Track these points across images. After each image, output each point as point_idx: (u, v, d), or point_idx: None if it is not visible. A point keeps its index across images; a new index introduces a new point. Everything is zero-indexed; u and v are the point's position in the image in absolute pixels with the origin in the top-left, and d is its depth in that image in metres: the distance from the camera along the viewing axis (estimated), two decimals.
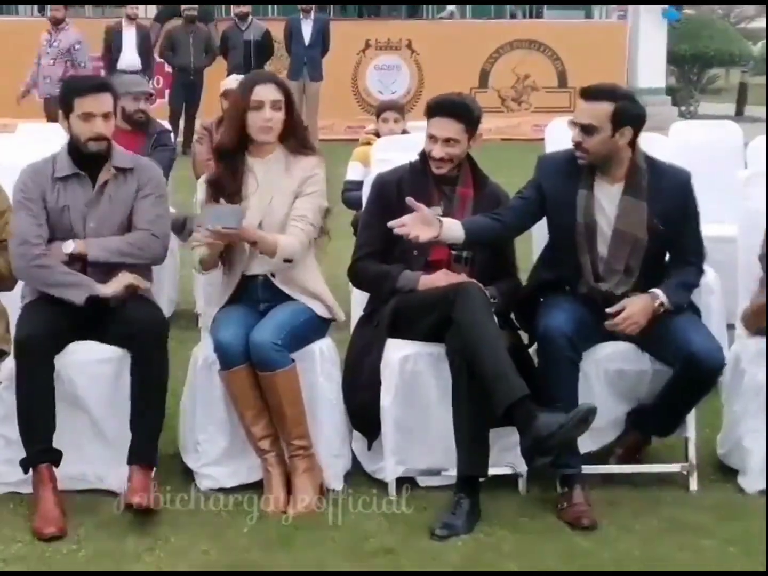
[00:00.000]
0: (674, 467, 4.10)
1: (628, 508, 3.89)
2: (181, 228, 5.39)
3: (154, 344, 3.82)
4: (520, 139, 14.86)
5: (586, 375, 3.95)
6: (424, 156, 4.17)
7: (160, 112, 9.24)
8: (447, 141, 4.06)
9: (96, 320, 3.89)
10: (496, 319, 3.83)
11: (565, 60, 15.80)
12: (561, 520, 3.78)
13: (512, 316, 4.20)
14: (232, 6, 14.46)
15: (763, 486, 3.98)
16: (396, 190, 4.04)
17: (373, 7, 16.54)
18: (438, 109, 4.10)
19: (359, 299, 4.39)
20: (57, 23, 11.18)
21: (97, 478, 3.94)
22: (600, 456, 4.09)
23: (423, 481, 4.04)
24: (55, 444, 3.78)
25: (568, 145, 4.04)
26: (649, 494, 4.00)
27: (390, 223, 3.81)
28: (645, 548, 3.60)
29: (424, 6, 16.64)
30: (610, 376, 4.03)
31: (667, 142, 5.26)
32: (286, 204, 4.00)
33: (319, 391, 4.00)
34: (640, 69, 16.25)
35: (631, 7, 16.39)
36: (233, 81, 6.70)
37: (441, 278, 3.99)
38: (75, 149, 3.98)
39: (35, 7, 16.41)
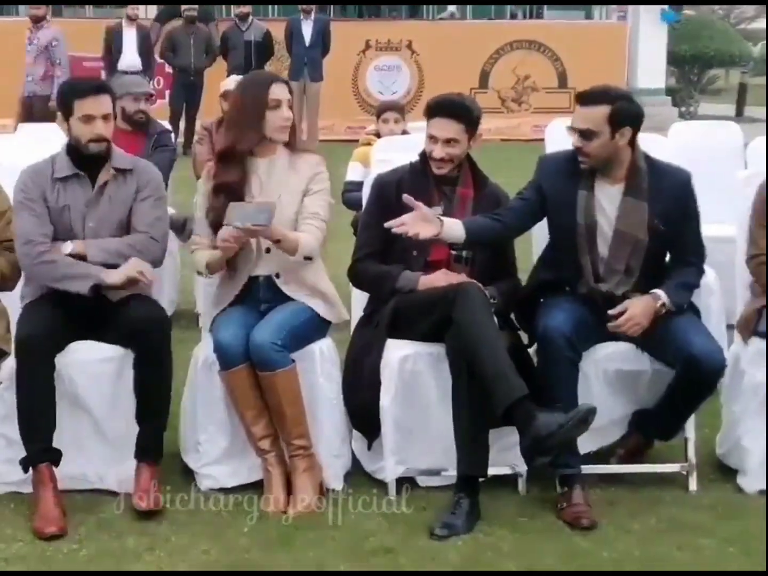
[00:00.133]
0: (674, 467, 4.10)
1: (628, 508, 3.89)
2: (182, 228, 5.41)
3: (157, 341, 3.83)
4: (520, 139, 14.86)
5: (585, 375, 3.96)
6: (424, 156, 4.17)
7: (160, 112, 9.25)
8: (447, 141, 4.07)
9: (97, 320, 3.90)
10: (495, 319, 3.83)
11: (565, 60, 15.80)
12: (560, 520, 3.78)
13: (512, 316, 4.20)
14: (232, 6, 14.47)
15: (762, 486, 3.99)
16: (396, 191, 4.04)
17: (374, 8, 16.55)
18: (438, 109, 4.11)
19: (359, 299, 4.39)
20: (37, 21, 11.11)
21: (98, 477, 3.95)
22: (599, 456, 4.10)
23: (423, 481, 4.04)
24: (56, 443, 3.78)
25: (568, 145, 4.04)
26: (648, 494, 4.01)
27: (388, 223, 3.82)
28: (644, 548, 3.60)
29: (424, 6, 16.64)
30: (610, 376, 4.03)
31: (667, 143, 5.26)
32: (295, 202, 4.00)
33: (319, 391, 4.01)
34: (640, 69, 16.24)
35: (631, 8, 16.39)
36: (233, 82, 6.73)
37: (441, 278, 3.99)
38: (74, 150, 3.99)
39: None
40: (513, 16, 17.15)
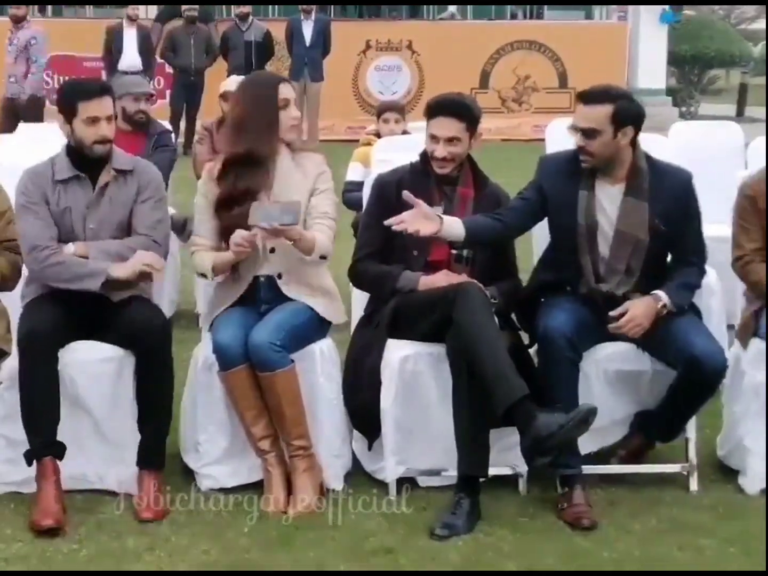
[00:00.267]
0: (674, 467, 4.10)
1: (628, 509, 3.89)
2: (182, 229, 5.40)
3: (157, 346, 3.83)
4: (521, 139, 14.87)
5: (586, 375, 3.95)
6: (425, 156, 4.17)
7: (161, 112, 9.25)
8: (450, 140, 4.06)
9: (97, 320, 3.90)
10: (496, 319, 3.83)
11: (566, 61, 15.80)
12: (561, 520, 3.78)
13: (513, 316, 4.20)
14: (232, 6, 14.47)
15: (763, 486, 3.99)
16: (396, 191, 4.03)
17: (374, 8, 16.55)
18: (439, 109, 4.10)
19: (359, 300, 4.39)
20: (17, 21, 11.05)
21: (98, 477, 3.94)
22: (600, 456, 4.10)
23: (423, 481, 4.04)
24: None
25: (569, 145, 4.04)
26: (649, 494, 4.00)
27: (388, 221, 3.81)
28: (645, 548, 3.60)
29: (425, 6, 16.64)
30: (611, 376, 4.03)
31: (668, 143, 5.26)
32: (303, 202, 3.99)
33: (319, 391, 4.01)
34: (640, 70, 16.24)
35: (631, 8, 16.40)
36: (233, 82, 6.71)
37: (441, 278, 3.99)
38: (74, 152, 3.98)
39: (35, 7, 16.42)
40: (513, 17, 17.15)
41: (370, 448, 4.09)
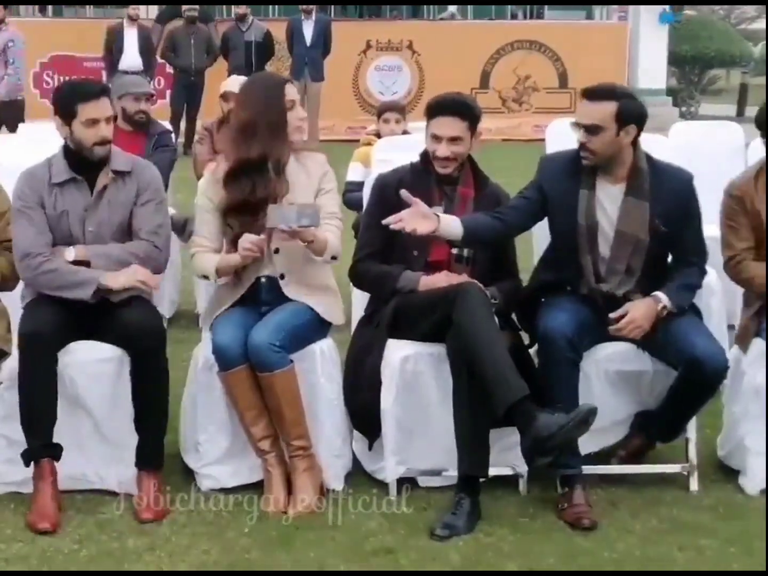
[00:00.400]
0: (675, 468, 4.10)
1: (629, 509, 3.89)
2: (182, 229, 5.40)
3: (152, 348, 3.82)
4: (521, 139, 14.88)
5: (586, 375, 3.95)
6: (425, 156, 4.17)
7: (161, 112, 9.25)
8: (452, 140, 4.06)
9: (97, 320, 3.89)
10: (496, 319, 3.83)
11: (566, 61, 15.81)
12: (561, 520, 3.78)
13: (513, 316, 4.20)
14: (233, 6, 14.48)
15: (763, 486, 3.99)
16: (397, 191, 4.02)
17: (374, 8, 16.56)
18: (440, 108, 4.10)
19: (360, 300, 4.39)
20: None
21: (98, 477, 3.94)
22: (600, 456, 4.10)
23: (423, 482, 4.04)
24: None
25: (569, 145, 4.04)
26: (649, 494, 4.00)
27: (386, 220, 3.81)
28: (645, 548, 3.60)
29: (425, 6, 16.64)
30: (611, 376, 4.03)
31: (668, 143, 5.25)
32: (309, 202, 3.98)
33: (319, 391, 4.00)
34: (640, 70, 16.24)
35: (631, 8, 16.40)
36: (234, 82, 6.71)
37: (442, 279, 3.99)
38: (71, 153, 3.96)
39: (36, 7, 16.45)
40: (514, 17, 17.15)
41: (370, 448, 4.09)
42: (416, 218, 3.79)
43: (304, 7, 13.58)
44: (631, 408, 4.11)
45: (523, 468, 3.93)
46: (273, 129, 3.95)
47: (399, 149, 4.91)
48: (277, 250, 3.98)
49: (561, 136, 4.39)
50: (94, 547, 3.58)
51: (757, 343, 4.03)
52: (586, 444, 3.92)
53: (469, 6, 16.90)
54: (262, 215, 3.88)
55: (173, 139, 6.31)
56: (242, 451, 4.01)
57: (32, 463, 3.78)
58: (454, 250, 4.07)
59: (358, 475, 4.12)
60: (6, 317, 4.01)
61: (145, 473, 3.86)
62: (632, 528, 3.75)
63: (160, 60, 13.58)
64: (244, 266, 3.99)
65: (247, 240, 3.84)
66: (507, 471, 3.99)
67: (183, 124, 13.15)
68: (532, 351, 4.05)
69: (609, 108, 3.89)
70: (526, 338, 4.15)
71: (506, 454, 3.94)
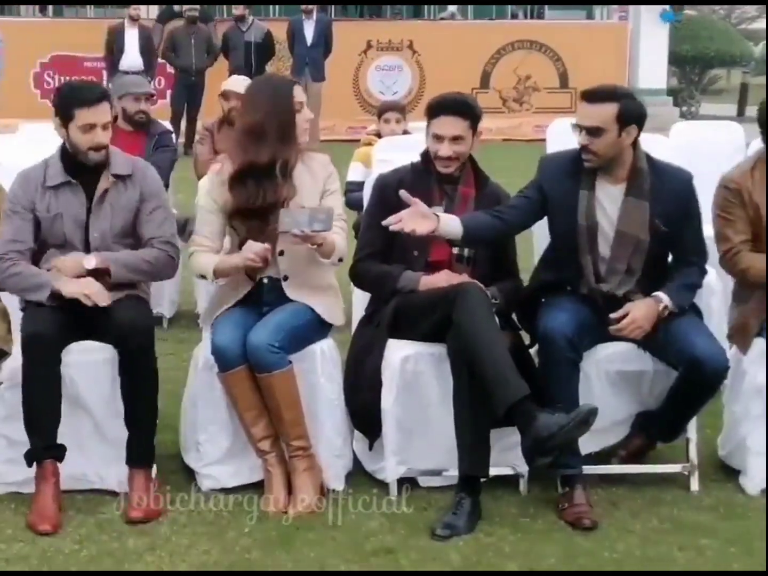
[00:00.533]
0: (675, 467, 4.10)
1: (629, 509, 3.89)
2: (182, 229, 5.39)
3: (139, 347, 3.80)
4: (522, 139, 14.89)
5: (586, 375, 3.95)
6: (426, 156, 4.17)
7: (161, 112, 9.25)
8: (454, 139, 4.06)
9: (92, 320, 3.87)
10: (497, 319, 3.83)
11: (567, 61, 15.81)
12: (562, 520, 3.78)
13: (513, 316, 4.20)
14: (233, 7, 14.49)
15: (764, 486, 3.99)
16: (397, 191, 4.01)
17: (375, 8, 16.56)
18: (441, 108, 4.10)
19: (360, 300, 4.39)
20: None
21: (98, 477, 3.94)
22: (601, 456, 4.09)
23: (424, 481, 4.04)
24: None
25: (570, 145, 4.04)
26: (649, 494, 4.00)
27: (385, 222, 3.81)
28: (646, 548, 3.60)
29: (426, 6, 16.64)
30: (611, 376, 4.03)
31: (669, 143, 5.25)
32: (315, 204, 3.97)
33: (320, 391, 4.00)
34: (641, 70, 16.25)
35: (632, 8, 16.40)
36: (234, 81, 6.71)
37: (442, 278, 3.99)
38: (68, 156, 3.96)
39: (36, 7, 16.45)
40: (514, 16, 17.16)
41: (370, 448, 4.09)
42: (415, 218, 3.79)
43: (305, 7, 13.59)
44: (631, 408, 4.10)
45: (523, 468, 3.93)
46: (282, 132, 3.94)
47: (399, 149, 4.91)
48: (282, 253, 3.97)
49: (562, 136, 4.39)
50: (94, 547, 3.58)
51: (758, 343, 4.02)
52: (587, 444, 3.92)
53: (469, 6, 16.90)
54: (268, 219, 3.88)
55: (174, 140, 6.31)
56: (243, 451, 4.01)
57: (34, 463, 3.77)
58: (455, 250, 4.07)
59: (358, 475, 4.12)
60: (7, 318, 4.00)
61: (136, 471, 3.84)
62: (633, 528, 3.75)
63: (160, 60, 13.58)
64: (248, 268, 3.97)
65: (251, 250, 3.82)
66: (507, 471, 3.99)
67: (183, 124, 13.15)
68: (532, 351, 4.05)
69: (610, 109, 3.89)
70: (526, 338, 4.15)
71: (507, 454, 3.94)
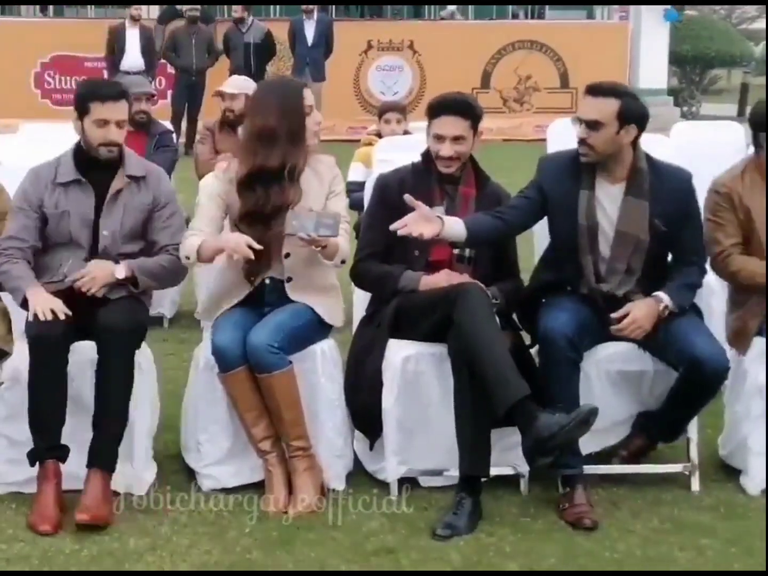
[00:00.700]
0: (676, 467, 4.10)
1: (630, 509, 3.89)
2: None
3: (117, 348, 3.77)
4: (522, 139, 14.89)
5: (587, 375, 3.95)
6: (427, 156, 4.17)
7: (162, 112, 9.26)
8: (455, 139, 4.06)
9: (89, 320, 3.85)
10: (497, 319, 3.83)
11: (567, 61, 15.81)
12: (562, 520, 3.78)
13: (514, 316, 4.20)
14: (233, 7, 14.50)
15: (764, 486, 3.99)
16: (398, 191, 4.03)
17: (376, 8, 16.56)
18: (442, 108, 4.10)
19: (361, 300, 4.39)
20: None
21: None
22: (601, 456, 4.09)
23: (424, 481, 4.04)
24: None
25: (570, 145, 4.04)
26: (650, 494, 4.00)
27: (392, 227, 3.80)
28: (646, 548, 3.60)
29: (426, 6, 16.64)
30: (612, 376, 4.03)
31: (669, 143, 5.25)
32: (320, 206, 3.98)
33: (320, 391, 4.00)
34: (641, 70, 16.25)
35: (633, 8, 16.40)
36: (228, 82, 6.69)
37: (442, 278, 3.99)
38: (81, 154, 3.97)
39: (37, 7, 16.46)
40: (515, 16, 17.16)
41: (371, 448, 4.09)
42: (420, 222, 3.78)
43: (306, 7, 13.60)
44: (632, 408, 4.10)
45: (524, 468, 3.93)
46: (293, 135, 3.93)
47: (400, 149, 4.91)
48: (288, 255, 3.96)
49: (562, 136, 4.38)
50: (95, 547, 3.58)
51: (758, 342, 4.02)
52: (587, 444, 3.92)
53: (470, 6, 16.90)
54: (274, 224, 3.88)
55: (174, 140, 6.33)
56: (243, 452, 4.01)
57: (37, 463, 3.77)
58: (456, 250, 4.07)
59: (359, 475, 4.12)
60: (7, 318, 4.00)
61: (92, 472, 3.74)
62: (633, 528, 3.75)
63: (161, 60, 13.58)
64: (252, 269, 3.95)
65: (233, 239, 3.80)
66: (508, 471, 3.99)
67: (184, 124, 13.15)
68: (533, 351, 4.05)
69: (611, 105, 3.88)
70: (527, 338, 4.15)
71: (507, 454, 3.94)
